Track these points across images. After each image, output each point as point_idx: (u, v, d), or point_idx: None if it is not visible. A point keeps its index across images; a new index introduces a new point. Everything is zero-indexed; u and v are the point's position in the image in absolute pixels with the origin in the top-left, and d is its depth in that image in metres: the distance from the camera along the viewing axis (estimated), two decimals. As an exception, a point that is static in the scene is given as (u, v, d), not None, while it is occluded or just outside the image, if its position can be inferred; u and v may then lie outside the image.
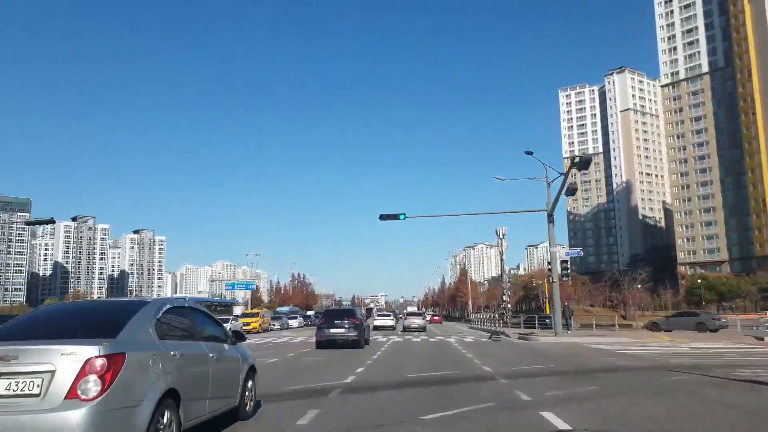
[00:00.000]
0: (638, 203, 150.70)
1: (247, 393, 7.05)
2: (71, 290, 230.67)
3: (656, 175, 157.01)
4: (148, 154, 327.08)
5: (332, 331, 22.42)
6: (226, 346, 6.67)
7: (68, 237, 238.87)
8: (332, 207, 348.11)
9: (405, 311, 71.88)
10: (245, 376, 7.01)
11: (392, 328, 46.30)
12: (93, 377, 4.31)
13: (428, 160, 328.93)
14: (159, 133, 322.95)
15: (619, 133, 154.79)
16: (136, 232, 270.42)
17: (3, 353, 4.34)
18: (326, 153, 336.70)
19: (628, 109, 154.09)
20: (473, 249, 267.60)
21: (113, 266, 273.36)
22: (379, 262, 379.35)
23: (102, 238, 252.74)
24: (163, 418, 4.83)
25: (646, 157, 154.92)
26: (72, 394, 4.25)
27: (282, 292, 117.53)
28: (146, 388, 4.71)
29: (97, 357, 4.36)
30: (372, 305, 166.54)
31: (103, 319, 5.28)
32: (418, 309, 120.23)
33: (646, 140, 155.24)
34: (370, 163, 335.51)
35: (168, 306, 5.78)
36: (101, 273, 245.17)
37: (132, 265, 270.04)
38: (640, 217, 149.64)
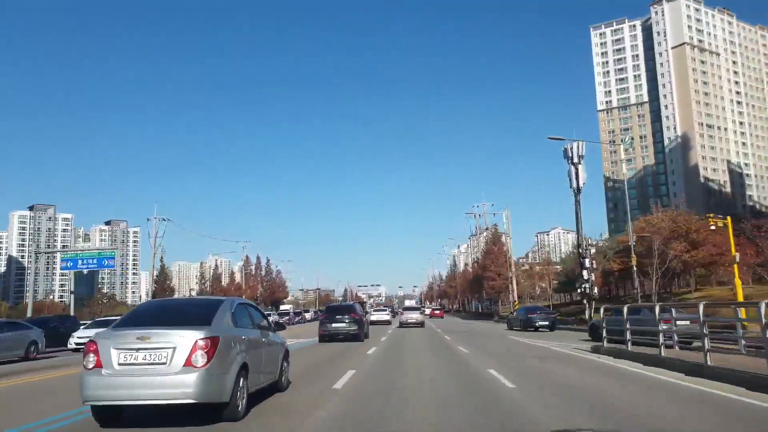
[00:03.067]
0: (698, 162, 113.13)
1: (283, 371, 9.58)
2: (27, 288, 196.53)
3: (719, 128, 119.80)
4: (127, 145, 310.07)
5: (334, 325, 24.08)
6: (270, 333, 9.23)
7: (23, 228, 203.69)
8: (324, 195, 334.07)
9: (402, 306, 68.39)
10: (282, 358, 9.58)
11: (388, 322, 45.69)
12: (200, 352, 6.47)
13: (433, 126, 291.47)
14: (136, 121, 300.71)
15: (672, 75, 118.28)
16: (107, 223, 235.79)
17: (141, 335, 6.56)
18: (314, 143, 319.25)
19: (683, 43, 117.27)
20: (477, 238, 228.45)
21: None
22: (376, 252, 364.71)
23: (64, 230, 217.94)
24: (240, 383, 7.04)
25: (707, 104, 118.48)
26: (188, 363, 6.43)
27: (224, 281, 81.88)
28: (231, 361, 6.92)
29: (202, 338, 6.53)
30: (370, 300, 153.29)
31: (198, 312, 7.47)
32: (420, 302, 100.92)
33: (705, 83, 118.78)
34: (367, 143, 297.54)
35: (236, 303, 8.19)
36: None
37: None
38: (702, 179, 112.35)
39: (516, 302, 54.67)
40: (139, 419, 7.13)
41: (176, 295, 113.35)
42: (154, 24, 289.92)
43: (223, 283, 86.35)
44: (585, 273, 33.95)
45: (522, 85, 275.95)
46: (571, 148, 36.84)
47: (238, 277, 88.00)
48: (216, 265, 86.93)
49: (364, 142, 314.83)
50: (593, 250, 34.92)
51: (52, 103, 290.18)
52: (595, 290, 35.52)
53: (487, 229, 70.62)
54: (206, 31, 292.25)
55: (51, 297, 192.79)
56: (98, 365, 6.43)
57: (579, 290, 36.28)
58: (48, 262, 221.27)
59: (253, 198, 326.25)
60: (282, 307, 74.68)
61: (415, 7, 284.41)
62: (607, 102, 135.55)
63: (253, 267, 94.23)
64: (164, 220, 57.53)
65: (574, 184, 36.97)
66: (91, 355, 6.50)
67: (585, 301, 34.94)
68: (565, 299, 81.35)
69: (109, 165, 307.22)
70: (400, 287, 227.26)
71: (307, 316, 69.73)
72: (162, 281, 70.09)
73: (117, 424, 6.85)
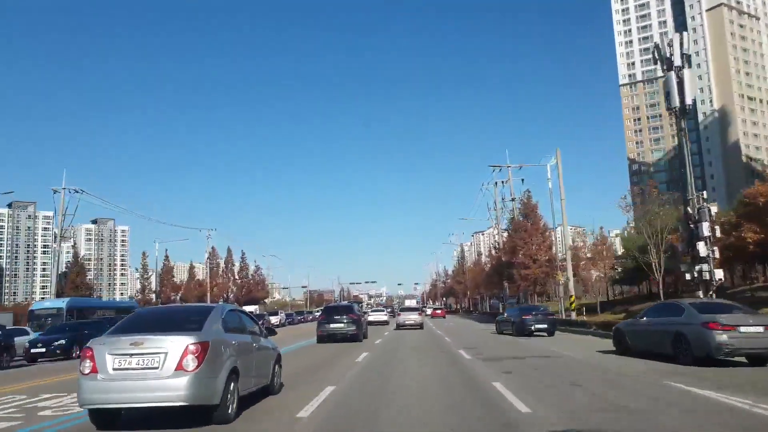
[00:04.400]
0: (739, 138, 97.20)
1: (275, 375, 9.80)
2: (5, 291, 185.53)
3: (761, 101, 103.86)
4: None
5: (332, 326, 23.67)
6: (261, 338, 9.44)
7: (1, 227, 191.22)
8: (324, 195, 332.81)
9: (401, 306, 64.22)
10: (274, 362, 9.82)
11: (386, 323, 44.36)
12: (191, 357, 6.65)
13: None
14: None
15: (707, 41, 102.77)
16: (93, 221, 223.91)
17: (135, 340, 6.77)
18: (314, 143, 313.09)
19: (720, 4, 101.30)
20: (482, 234, 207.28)
21: (68, 261, 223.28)
22: (375, 252, 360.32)
23: (45, 228, 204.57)
24: (230, 386, 7.28)
25: (747, 74, 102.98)
26: (179, 367, 6.61)
27: (178, 278, 66.96)
28: (221, 365, 7.12)
29: (192, 343, 6.74)
30: (371, 300, 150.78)
31: (189, 318, 7.76)
32: (422, 302, 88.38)
33: (745, 50, 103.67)
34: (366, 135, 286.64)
35: (227, 309, 8.41)
36: (44, 269, 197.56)
37: (89, 259, 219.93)
38: (744, 159, 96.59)
39: (572, 299, 36.84)
40: (134, 422, 7.50)
41: (100, 295, 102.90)
42: (154, 24, 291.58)
43: (177, 280, 70.99)
44: (701, 247, 18.57)
45: (522, 85, 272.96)
46: (670, 43, 21.12)
47: (202, 274, 73.43)
48: (166, 257, 71.45)
49: (364, 142, 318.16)
50: (714, 209, 19.76)
51: (52, 103, 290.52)
52: (719, 275, 19.88)
53: (513, 199, 53.15)
54: (206, 31, 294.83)
55: (29, 299, 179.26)
56: (94, 370, 6.70)
57: (688, 276, 20.53)
58: (28, 263, 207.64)
59: (253, 198, 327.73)
60: (246, 309, 59.91)
61: (415, 7, 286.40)
62: (630, 75, 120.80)
63: (221, 261, 78.66)
64: (77, 191, 42.88)
65: (676, 101, 22.19)
66: (87, 360, 6.81)
67: (701, 293, 19.11)
68: (620, 292, 66.17)
69: (108, 165, 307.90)
70: (399, 284, 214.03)
71: (273, 320, 52.05)
72: (76, 275, 55.39)
73: (113, 427, 7.12)
